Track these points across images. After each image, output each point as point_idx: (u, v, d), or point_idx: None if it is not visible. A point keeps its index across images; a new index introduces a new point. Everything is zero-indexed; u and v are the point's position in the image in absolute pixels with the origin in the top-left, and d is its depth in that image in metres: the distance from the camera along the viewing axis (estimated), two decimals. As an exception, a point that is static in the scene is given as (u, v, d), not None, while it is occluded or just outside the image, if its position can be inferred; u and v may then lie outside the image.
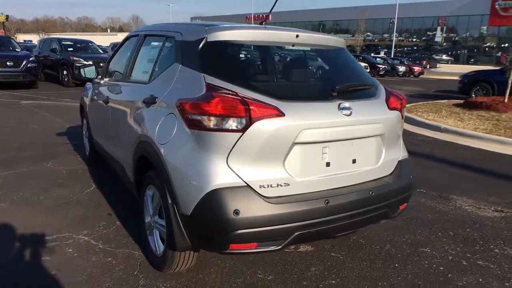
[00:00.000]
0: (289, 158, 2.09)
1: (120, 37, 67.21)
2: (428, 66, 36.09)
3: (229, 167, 2.01)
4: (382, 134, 2.44)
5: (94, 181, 4.21)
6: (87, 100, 4.39)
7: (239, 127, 1.99)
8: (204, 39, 2.33)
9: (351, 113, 2.24)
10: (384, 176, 2.50)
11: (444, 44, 53.54)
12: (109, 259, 2.69)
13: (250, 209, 1.98)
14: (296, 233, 2.08)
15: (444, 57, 48.20)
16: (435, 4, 47.29)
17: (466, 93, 12.94)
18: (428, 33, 55.10)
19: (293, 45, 2.56)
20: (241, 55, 2.52)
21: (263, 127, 2.00)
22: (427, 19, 51.09)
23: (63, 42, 13.69)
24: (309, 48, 2.64)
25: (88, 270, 2.55)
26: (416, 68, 28.56)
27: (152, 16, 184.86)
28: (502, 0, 41.17)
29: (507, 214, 3.70)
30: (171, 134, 2.20)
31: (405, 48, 55.04)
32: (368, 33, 53.61)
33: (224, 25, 2.43)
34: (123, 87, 3.24)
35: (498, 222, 3.52)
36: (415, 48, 55.14)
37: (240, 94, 2.04)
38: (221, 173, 2.00)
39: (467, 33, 49.01)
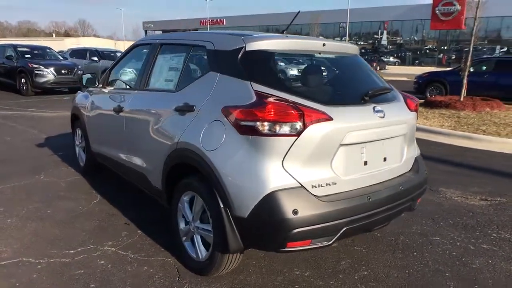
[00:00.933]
0: (335, 159, 2.25)
1: (67, 42, 64.20)
2: (378, 68, 37.87)
3: (284, 169, 2.13)
4: (405, 134, 2.67)
5: (98, 191, 4.12)
6: (84, 110, 4.28)
7: (294, 131, 2.11)
8: (243, 49, 2.43)
9: (384, 115, 2.44)
10: (407, 172, 2.74)
11: (390, 47, 56.26)
12: (145, 268, 2.70)
13: (306, 208, 2.11)
14: (344, 228, 2.24)
15: (392, 59, 50.74)
16: (381, 9, 49.70)
17: (421, 93, 13.83)
18: (375, 36, 57.72)
19: (319, 53, 2.73)
20: (280, 63, 2.64)
21: (315, 131, 2.14)
22: (375, 23, 53.52)
23: (19, 49, 12.96)
24: (333, 56, 2.82)
25: (129, 280, 2.55)
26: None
27: (100, 20, 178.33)
28: (442, 5, 44.17)
29: (492, 202, 4.10)
30: (220, 140, 2.27)
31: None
32: (321, 37, 55.28)
33: (259, 35, 2.54)
34: (141, 96, 3.23)
35: (487, 210, 3.89)
36: (363, 51, 57.57)
37: (291, 100, 2.17)
38: (278, 176, 2.12)
39: (411, 36, 51.96)
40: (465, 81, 10.07)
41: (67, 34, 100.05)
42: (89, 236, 3.13)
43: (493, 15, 34.62)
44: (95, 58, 15.01)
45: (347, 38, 43.29)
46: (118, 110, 3.43)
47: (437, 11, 44.98)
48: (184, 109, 2.60)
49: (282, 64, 2.87)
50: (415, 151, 2.90)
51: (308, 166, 2.17)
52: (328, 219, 2.17)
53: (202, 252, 2.55)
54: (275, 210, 2.08)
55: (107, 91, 3.87)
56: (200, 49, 2.79)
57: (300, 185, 2.14)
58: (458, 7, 43.85)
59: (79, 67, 13.22)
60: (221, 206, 2.25)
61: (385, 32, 56.96)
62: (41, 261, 2.75)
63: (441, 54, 48.06)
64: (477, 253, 3.00)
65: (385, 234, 3.29)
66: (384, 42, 57.70)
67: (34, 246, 2.95)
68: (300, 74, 2.64)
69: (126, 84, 3.64)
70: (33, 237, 3.09)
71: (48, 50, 14.04)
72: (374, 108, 2.43)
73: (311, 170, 2.18)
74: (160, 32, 71.65)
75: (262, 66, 2.42)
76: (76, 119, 4.72)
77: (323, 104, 2.23)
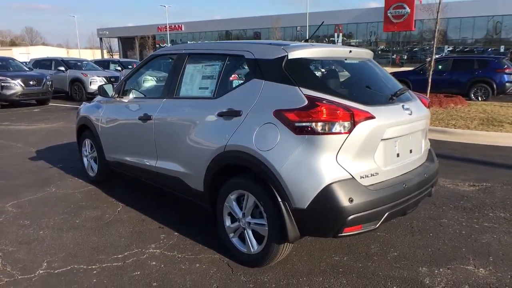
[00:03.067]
0: (377, 152, 2.56)
1: (15, 52, 61.02)
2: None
3: (338, 163, 2.40)
4: (424, 128, 3.04)
5: (118, 199, 4.19)
6: (96, 121, 4.33)
7: (346, 129, 2.39)
8: (285, 57, 2.69)
9: (411, 112, 2.78)
10: (425, 162, 3.10)
11: (345, 49, 58.29)
12: (197, 265, 2.87)
13: (359, 196, 2.40)
14: (387, 213, 2.55)
15: (348, 60, 52.71)
16: (337, 13, 51.51)
17: (387, 92, 14.67)
18: (332, 39, 59.63)
19: (345, 59, 3.03)
20: (320, 69, 2.90)
21: (363, 128, 2.43)
22: (331, 26, 55.27)
23: (-19, 61, 12.39)
24: (357, 61, 3.14)
25: (187, 276, 2.71)
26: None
27: (49, 27, 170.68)
28: (393, 8, 46.56)
29: (480, 187, 4.59)
30: (275, 141, 2.51)
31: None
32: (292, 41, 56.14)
33: (296, 45, 2.81)
34: (172, 104, 3.37)
35: (478, 194, 4.37)
36: None
37: (339, 102, 2.45)
38: (334, 169, 2.39)
39: (366, 38, 54.22)
40: (429, 79, 10.85)
41: (13, 43, 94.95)
42: (130, 241, 3.24)
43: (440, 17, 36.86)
44: (62, 68, 14.65)
45: (309, 41, 44.57)
46: (146, 118, 3.55)
47: (389, 14, 47.33)
48: (230, 114, 2.81)
49: (324, 69, 3.12)
50: (428, 143, 3.28)
51: (357, 160, 2.46)
52: (376, 205, 2.47)
53: (254, 246, 2.76)
54: (334, 199, 2.35)
55: (126, 101, 3.96)
56: (237, 58, 3.01)
57: (351, 177, 2.43)
58: (408, 9, 46.40)
59: (47, 77, 12.83)
60: (279, 200, 2.49)
61: (340, 35, 59.01)
62: (93, 266, 2.84)
63: (395, 55, 50.43)
64: (482, 230, 3.42)
65: (399, 220, 3.64)
66: (339, 44, 59.75)
67: (80, 254, 3.03)
68: (337, 78, 2.92)
69: (149, 93, 3.77)
70: (75, 245, 3.16)
71: (11, 61, 13.51)
72: (403, 106, 2.76)
73: (359, 163, 2.48)
74: (116, 39, 69.91)
75: (305, 72, 2.69)
76: (84, 129, 4.74)
77: (364, 104, 2.53)
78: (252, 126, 2.65)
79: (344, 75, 2.94)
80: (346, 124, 2.39)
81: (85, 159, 4.86)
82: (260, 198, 2.63)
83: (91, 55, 69.84)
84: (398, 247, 3.13)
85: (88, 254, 3.03)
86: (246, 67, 2.94)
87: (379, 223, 2.55)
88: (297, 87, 2.54)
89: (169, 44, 54.36)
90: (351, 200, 2.36)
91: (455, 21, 31.75)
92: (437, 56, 16.69)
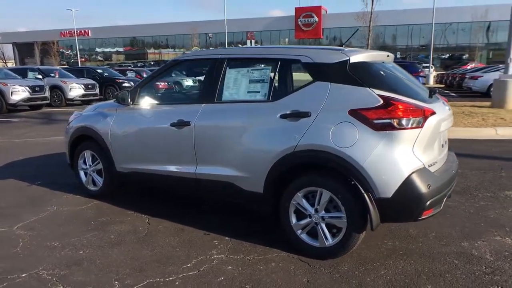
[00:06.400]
0: (435, 144, 2.91)
1: None
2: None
3: (414, 155, 2.70)
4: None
5: (139, 211, 3.99)
6: (105, 130, 4.06)
7: (419, 124, 2.70)
8: (348, 61, 2.92)
9: (449, 108, 3.20)
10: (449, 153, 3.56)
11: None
12: (273, 264, 2.93)
13: (432, 182, 2.72)
14: (446, 196, 2.91)
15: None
16: (251, 20, 53.08)
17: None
18: (240, 45, 61.13)
19: (383, 62, 3.35)
20: (379, 71, 3.14)
21: (431, 122, 2.76)
22: (244, 33, 56.60)
23: None
24: (391, 65, 3.47)
25: (273, 275, 2.76)
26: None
27: None
28: (302, 17, 49.48)
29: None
30: (354, 138, 2.71)
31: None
32: (196, 48, 56.19)
33: (350, 50, 3.05)
34: (217, 109, 3.35)
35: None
36: None
37: (408, 101, 2.74)
38: (412, 160, 2.68)
39: (278, 44, 56.75)
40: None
41: None
42: (186, 250, 3.16)
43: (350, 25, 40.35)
44: (40, 77, 14.72)
45: (226, 46, 45.24)
46: (182, 124, 3.47)
47: (299, 22, 50.21)
48: (296, 115, 2.93)
49: (379, 71, 3.36)
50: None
51: (425, 151, 2.79)
52: (442, 190, 2.82)
53: (329, 238, 2.92)
54: (416, 187, 2.63)
55: (147, 108, 3.81)
56: (292, 62, 3.14)
57: (424, 166, 2.74)
58: (316, 18, 49.77)
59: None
60: (362, 192, 2.69)
61: (252, 41, 60.74)
62: (170, 278, 2.74)
63: (307, 61, 53.52)
64: (484, 208, 4.00)
65: (414, 206, 4.07)
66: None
67: (145, 267, 2.88)
68: (393, 79, 3.19)
69: (177, 99, 3.69)
70: (132, 260, 2.99)
71: None
72: (443, 103, 3.16)
73: (426, 153, 2.80)
74: (11, 45, 62.99)
75: (368, 74, 2.94)
76: (81, 141, 4.40)
77: (422, 102, 2.86)
78: (326, 126, 2.82)
79: (391, 75, 3.23)
80: (419, 119, 2.70)
81: (82, 173, 4.50)
82: (338, 193, 2.80)
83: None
84: (432, 228, 3.53)
85: (154, 267, 2.89)
86: (304, 71, 3.08)
87: (441, 206, 2.90)
88: (368, 88, 2.78)
89: (77, 51, 50.74)
90: (429, 186, 2.67)
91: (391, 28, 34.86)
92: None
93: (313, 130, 2.86)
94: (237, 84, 3.38)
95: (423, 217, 2.76)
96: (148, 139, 3.80)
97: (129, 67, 32.44)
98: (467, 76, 18.38)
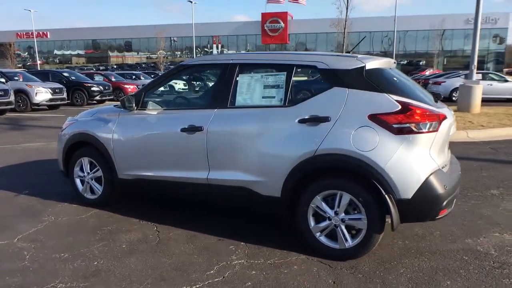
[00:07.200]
0: (445, 147, 3.07)
1: None
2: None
3: (431, 157, 2.83)
4: (450, 128, 3.68)
5: (144, 218, 3.90)
6: (107, 136, 3.94)
7: (435, 128, 2.84)
8: (364, 67, 3.02)
9: (453, 113, 3.38)
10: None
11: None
12: (295, 267, 2.97)
13: (448, 183, 2.87)
14: (455, 198, 3.08)
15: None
16: (215, 25, 53.04)
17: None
18: (206, 49, 60.76)
19: (390, 68, 3.49)
20: (392, 77, 3.25)
21: (444, 126, 2.92)
22: (210, 38, 56.38)
23: None
24: (396, 71, 3.61)
25: (298, 278, 2.80)
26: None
27: None
28: (269, 22, 50.07)
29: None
30: (375, 141, 2.81)
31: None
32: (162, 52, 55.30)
33: (364, 57, 3.16)
34: (230, 114, 3.35)
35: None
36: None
37: (424, 106, 2.88)
38: (430, 162, 2.82)
39: (245, 49, 56.93)
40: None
41: None
42: (205, 257, 3.13)
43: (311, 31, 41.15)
44: (3, 80, 13.97)
45: (194, 51, 44.80)
46: (193, 129, 3.45)
47: (266, 28, 50.75)
48: (315, 120, 3.00)
49: (392, 77, 3.46)
50: None
51: (439, 153, 2.94)
52: (454, 190, 2.98)
53: (348, 240, 3.00)
54: (435, 188, 2.77)
55: (154, 113, 3.75)
56: (307, 68, 3.21)
57: (439, 168, 2.88)
58: (282, 24, 50.52)
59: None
60: (384, 193, 2.79)
61: (219, 46, 60.60)
62: (197, 286, 2.71)
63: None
64: (477, 206, 4.22)
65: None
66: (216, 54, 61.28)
67: (167, 276, 2.83)
68: (404, 85, 3.31)
69: (186, 104, 3.66)
70: (151, 270, 2.92)
71: None
72: (448, 108, 3.34)
73: (440, 155, 2.96)
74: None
75: (384, 80, 3.06)
76: (77, 148, 4.25)
77: (435, 107, 3.02)
78: (346, 130, 2.90)
79: (401, 81, 3.36)
80: (435, 124, 2.84)
81: (78, 181, 4.34)
82: (358, 195, 2.89)
83: None
84: (435, 227, 3.70)
85: (177, 275, 2.85)
86: (321, 77, 3.16)
87: (452, 207, 3.06)
88: (385, 94, 2.90)
89: (36, 53, 48.54)
90: (445, 187, 2.81)
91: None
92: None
93: (333, 134, 2.94)
94: (250, 89, 3.39)
95: (439, 217, 2.89)
96: (155, 145, 3.73)
97: (93, 70, 31.43)
98: (430, 82, 19.29)
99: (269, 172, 3.19)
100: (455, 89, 16.02)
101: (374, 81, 2.98)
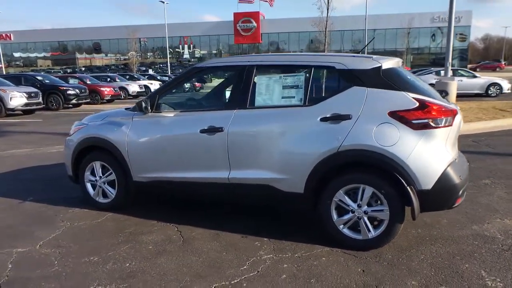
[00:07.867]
0: (456, 140, 3.30)
1: None
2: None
3: (447, 150, 3.05)
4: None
5: (163, 220, 3.94)
6: (121, 139, 3.95)
7: (450, 123, 3.05)
8: (380, 67, 3.20)
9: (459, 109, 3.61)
10: None
11: (192, 60, 59.31)
12: (323, 259, 3.11)
13: (462, 173, 3.10)
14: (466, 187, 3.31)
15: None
16: (188, 25, 52.63)
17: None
18: (177, 50, 60.13)
19: (398, 67, 3.69)
20: (406, 76, 3.43)
21: (457, 121, 3.14)
22: (180, 38, 55.85)
23: None
24: (403, 69, 3.82)
25: (329, 268, 2.94)
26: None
27: None
28: (241, 22, 50.16)
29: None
30: (396, 137, 2.99)
31: (161, 65, 56.59)
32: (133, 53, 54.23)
33: (379, 57, 3.34)
34: (251, 114, 3.45)
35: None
36: (161, 65, 56.10)
37: (439, 102, 3.09)
38: (447, 155, 3.03)
39: (217, 49, 56.78)
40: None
41: None
42: (234, 253, 3.22)
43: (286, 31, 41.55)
44: None
45: (165, 52, 44.17)
46: (213, 130, 3.52)
47: (238, 27, 50.81)
48: (337, 118, 3.15)
49: (405, 77, 3.62)
50: None
51: (452, 146, 3.16)
52: (467, 180, 3.21)
53: (371, 231, 3.17)
54: (452, 178, 2.99)
55: (171, 115, 3.79)
56: (325, 69, 3.36)
57: (453, 159, 3.10)
58: (255, 24, 50.74)
59: None
60: (405, 185, 2.98)
61: (191, 46, 60.11)
62: (235, 281, 2.80)
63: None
64: (475, 196, 4.52)
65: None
66: (186, 56, 60.84)
67: (203, 273, 2.91)
68: (414, 83, 3.51)
69: (203, 105, 3.72)
70: (187, 268, 2.99)
71: None
72: (454, 104, 3.57)
73: (453, 148, 3.18)
74: None
75: (399, 79, 3.24)
76: (88, 152, 4.23)
77: (444, 102, 3.23)
78: (368, 127, 3.07)
79: (412, 79, 3.56)
80: (449, 119, 3.06)
81: (89, 185, 4.31)
82: (381, 188, 3.06)
83: None
84: (441, 216, 3.94)
85: (212, 272, 2.93)
86: (339, 77, 3.31)
87: (464, 196, 3.29)
88: (403, 92, 3.09)
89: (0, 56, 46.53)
90: (460, 177, 3.04)
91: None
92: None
93: (355, 131, 3.10)
94: (269, 90, 3.51)
95: (456, 205, 3.12)
96: (173, 147, 3.77)
97: (60, 73, 30.39)
98: (403, 79, 19.98)
99: (292, 169, 3.31)
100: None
101: (390, 80, 3.17)
